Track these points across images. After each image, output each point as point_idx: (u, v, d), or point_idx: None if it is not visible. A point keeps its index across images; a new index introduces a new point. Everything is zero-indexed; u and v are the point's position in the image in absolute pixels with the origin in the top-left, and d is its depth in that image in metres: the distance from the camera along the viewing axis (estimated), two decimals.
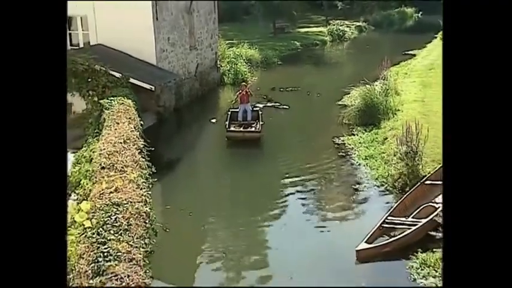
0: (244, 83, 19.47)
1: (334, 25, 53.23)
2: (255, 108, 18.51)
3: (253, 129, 17.68)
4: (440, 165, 13.11)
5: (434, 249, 10.23)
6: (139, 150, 12.08)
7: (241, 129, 17.60)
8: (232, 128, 17.44)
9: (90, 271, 7.05)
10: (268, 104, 19.11)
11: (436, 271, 9.76)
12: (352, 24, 56.60)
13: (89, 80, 17.92)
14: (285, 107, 20.55)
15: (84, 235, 8.03)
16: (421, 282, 9.63)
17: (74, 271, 7.34)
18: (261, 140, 17.54)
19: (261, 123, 17.85)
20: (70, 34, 21.12)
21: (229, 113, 18.74)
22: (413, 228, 10.84)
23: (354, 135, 18.65)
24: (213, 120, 19.70)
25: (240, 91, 18.50)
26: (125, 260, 7.35)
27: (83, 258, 7.45)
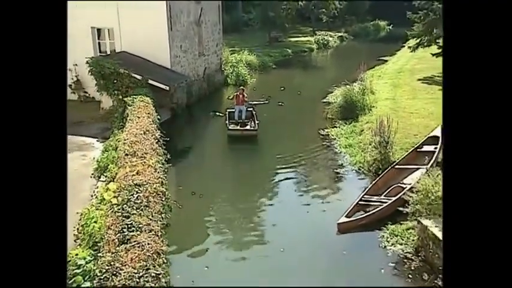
0: (241, 88, 19.40)
1: (319, 35, 53.30)
2: (248, 109, 18.39)
3: (250, 127, 17.60)
4: (407, 152, 13.22)
5: (401, 222, 10.37)
6: (156, 140, 12.12)
7: (240, 127, 17.58)
8: (232, 127, 17.38)
9: (116, 240, 7.10)
10: (252, 102, 18.88)
11: (403, 239, 9.97)
12: (335, 35, 56.54)
13: (115, 81, 17.93)
14: (265, 102, 20.29)
15: (111, 210, 8.07)
16: (390, 249, 9.76)
17: (103, 240, 7.40)
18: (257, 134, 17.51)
19: (256, 122, 17.74)
20: (99, 43, 21.03)
21: (227, 113, 18.69)
22: (385, 204, 10.95)
23: (336, 127, 18.65)
24: (211, 113, 19.97)
25: (237, 94, 18.44)
26: (145, 230, 7.40)
27: (110, 229, 7.50)
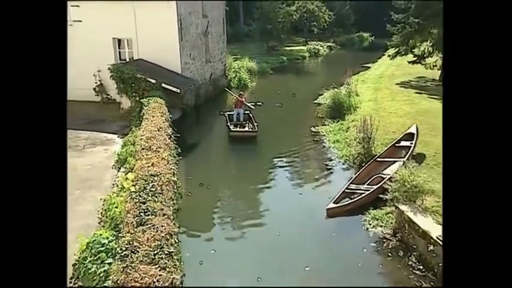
0: (241, 93, 19.28)
1: (311, 45, 53.09)
2: (245, 112, 18.24)
3: (249, 129, 17.39)
4: (387, 147, 13.23)
5: (381, 207, 10.39)
6: (168, 136, 12.13)
7: (239, 129, 17.36)
8: (233, 129, 17.16)
9: (135, 222, 7.13)
10: (248, 104, 18.76)
11: (382, 222, 10.01)
12: (325, 45, 56.35)
13: (133, 85, 17.90)
14: (258, 104, 19.82)
15: (130, 197, 8.10)
16: (372, 231, 9.80)
17: (123, 223, 7.43)
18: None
19: (255, 123, 17.52)
20: (119, 52, 20.96)
21: (227, 115, 18.55)
22: (367, 192, 10.96)
23: (325, 125, 18.64)
24: (220, 113, 19.73)
25: (238, 98, 18.32)
26: (159, 214, 7.43)
27: (129, 213, 7.53)
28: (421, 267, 8.36)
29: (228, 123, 17.62)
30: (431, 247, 8.14)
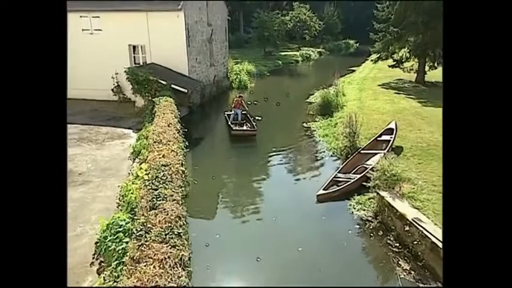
0: (240, 95, 18.97)
1: (303, 50, 52.89)
2: (243, 112, 17.98)
3: (247, 128, 17.10)
4: (369, 140, 13.24)
5: (364, 193, 10.40)
6: (177, 131, 12.09)
7: (239, 128, 17.06)
8: (235, 128, 16.89)
9: (148, 206, 7.13)
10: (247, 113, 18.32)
11: (365, 207, 10.04)
12: (315, 50, 56.12)
13: (146, 86, 17.91)
14: (258, 118, 18.47)
15: (144, 184, 8.10)
16: (356, 214, 9.83)
17: (138, 207, 7.45)
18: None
19: (254, 123, 17.27)
20: (134, 57, 20.87)
21: (227, 115, 18.33)
22: (352, 180, 10.98)
23: (316, 121, 18.60)
24: (224, 114, 19.31)
25: (237, 99, 18.07)
26: (169, 200, 7.42)
27: (143, 198, 7.52)
28: (398, 244, 8.42)
29: (229, 123, 17.44)
30: (407, 228, 8.20)
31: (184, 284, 5.52)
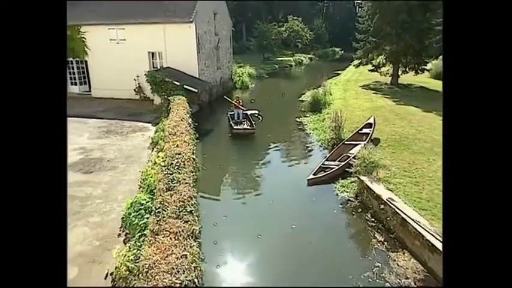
0: (237, 97, 18.66)
1: (296, 56, 52.54)
2: (243, 112, 17.54)
3: (247, 126, 16.50)
4: (352, 133, 13.23)
5: (347, 178, 10.42)
6: (189, 124, 12.10)
7: (240, 126, 16.46)
8: (236, 127, 16.35)
9: (164, 188, 7.18)
10: (246, 111, 17.80)
11: (348, 189, 10.06)
12: (307, 56, 55.71)
13: (162, 86, 17.84)
14: (257, 115, 18.25)
15: (161, 170, 8.14)
16: (339, 195, 9.86)
17: (156, 188, 7.48)
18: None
19: (252, 122, 16.79)
20: (152, 62, 20.75)
21: (229, 115, 17.86)
22: (337, 167, 11.00)
23: (307, 117, 18.53)
24: (227, 114, 18.67)
25: (236, 101, 17.76)
26: (182, 183, 7.46)
27: (160, 181, 7.56)
28: (374, 220, 8.49)
29: (231, 122, 17.03)
30: (382, 206, 8.26)
31: (195, 248, 5.56)
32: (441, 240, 6.47)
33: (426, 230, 6.83)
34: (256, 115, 17.82)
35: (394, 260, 7.05)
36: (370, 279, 6.53)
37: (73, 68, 21.84)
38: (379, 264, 6.94)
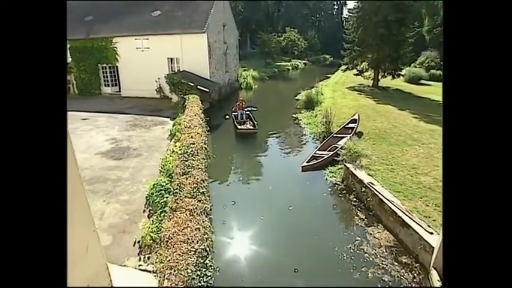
0: (241, 99, 17.88)
1: (293, 62, 51.95)
2: (246, 112, 16.83)
3: (250, 126, 15.88)
4: (339, 127, 13.14)
5: (335, 165, 10.35)
6: (201, 119, 12.11)
7: (243, 126, 15.78)
8: (239, 127, 15.63)
9: (181, 172, 7.23)
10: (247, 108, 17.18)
11: (335, 175, 9.97)
12: (302, 62, 55.07)
13: (179, 86, 17.87)
14: (254, 108, 17.49)
15: (178, 157, 8.17)
16: (328, 180, 9.82)
17: (174, 173, 7.51)
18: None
19: (255, 122, 16.00)
20: (171, 66, 20.52)
21: (233, 115, 17.06)
22: (327, 156, 10.93)
23: (301, 113, 18.38)
24: (226, 116, 17.79)
25: (239, 102, 17.10)
26: (196, 168, 7.50)
27: (177, 167, 7.60)
28: (357, 200, 8.50)
29: (235, 122, 16.45)
30: (364, 189, 8.27)
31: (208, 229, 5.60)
32: (410, 216, 6.53)
33: (399, 208, 6.87)
34: (255, 109, 17.50)
35: (371, 234, 7.09)
36: (351, 251, 6.58)
37: (106, 72, 21.81)
38: (359, 238, 6.99)
